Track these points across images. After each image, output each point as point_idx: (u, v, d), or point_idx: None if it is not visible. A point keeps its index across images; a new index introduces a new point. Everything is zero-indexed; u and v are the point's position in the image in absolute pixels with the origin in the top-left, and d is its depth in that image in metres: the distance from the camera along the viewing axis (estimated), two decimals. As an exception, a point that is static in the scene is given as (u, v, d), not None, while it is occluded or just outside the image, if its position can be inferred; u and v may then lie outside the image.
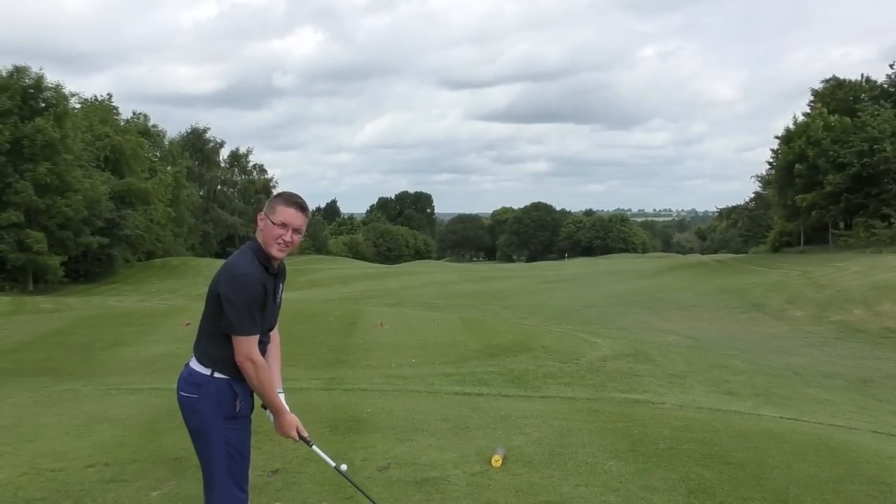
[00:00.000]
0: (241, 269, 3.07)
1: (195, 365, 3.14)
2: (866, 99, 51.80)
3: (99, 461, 5.06)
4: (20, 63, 47.20)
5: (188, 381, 3.12)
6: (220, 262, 3.33)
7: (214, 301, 3.07)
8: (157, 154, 66.24)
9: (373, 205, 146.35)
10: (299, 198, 3.22)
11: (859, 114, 47.30)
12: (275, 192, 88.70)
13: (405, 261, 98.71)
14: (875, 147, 44.58)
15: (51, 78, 56.84)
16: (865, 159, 44.86)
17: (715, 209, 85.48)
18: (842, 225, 49.34)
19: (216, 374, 3.09)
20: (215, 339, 3.10)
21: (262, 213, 3.20)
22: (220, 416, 3.09)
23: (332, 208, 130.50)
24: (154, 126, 67.94)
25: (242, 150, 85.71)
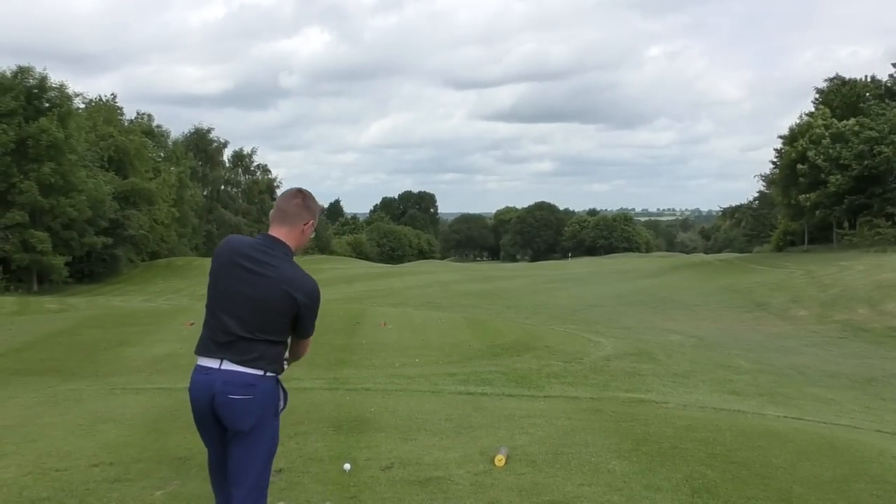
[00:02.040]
0: (314, 281, 3.23)
1: (243, 368, 3.09)
2: (871, 98, 51.74)
3: (103, 461, 5.07)
4: (30, 63, 47.35)
5: (238, 383, 3.08)
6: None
7: (288, 307, 3.12)
8: (161, 154, 66.30)
9: (376, 205, 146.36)
10: None
11: (863, 115, 47.24)
12: (279, 192, 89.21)
13: (409, 261, 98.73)
14: (875, 148, 44.52)
15: (60, 78, 57.02)
16: (866, 161, 44.80)
17: (719, 208, 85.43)
18: (846, 224, 49.25)
19: (268, 374, 3.13)
20: (269, 344, 3.13)
21: (313, 221, 3.30)
22: (271, 413, 3.15)
23: (335, 208, 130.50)
24: (158, 126, 68.07)
25: (246, 150, 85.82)
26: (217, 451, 3.25)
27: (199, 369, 3.16)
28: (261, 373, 3.10)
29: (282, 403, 3.24)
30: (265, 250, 3.18)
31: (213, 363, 3.12)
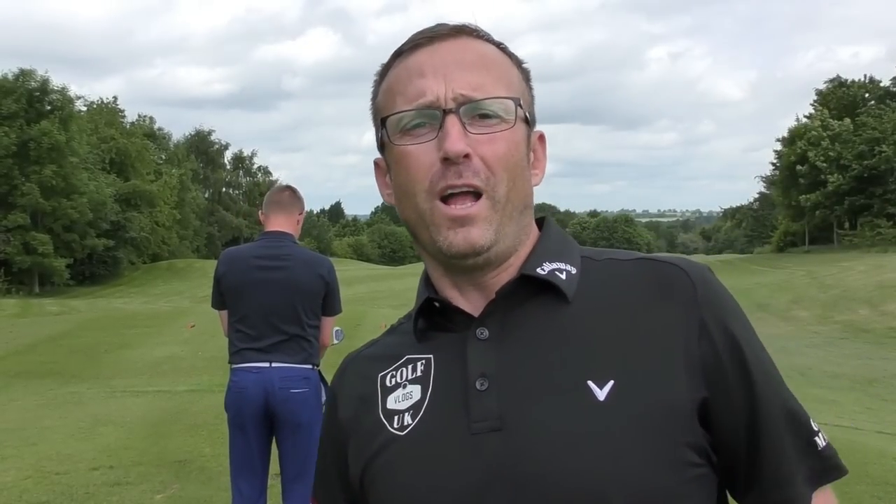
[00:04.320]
0: (327, 258, 3.51)
1: (295, 364, 3.20)
2: (870, 99, 51.82)
3: (103, 464, 5.07)
4: (35, 66, 47.44)
5: (296, 377, 3.20)
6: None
7: (319, 286, 3.32)
8: (163, 156, 66.41)
9: (377, 206, 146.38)
10: None
11: (860, 115, 47.36)
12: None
13: (410, 262, 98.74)
14: (875, 149, 44.60)
15: (66, 81, 57.03)
16: (866, 161, 44.86)
17: (720, 209, 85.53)
18: (847, 225, 49.29)
19: (315, 367, 3.29)
20: (310, 333, 3.28)
21: (304, 211, 3.51)
22: (320, 404, 3.27)
23: (336, 210, 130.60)
24: (160, 129, 68.19)
25: (246, 152, 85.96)
26: (250, 452, 3.26)
27: (247, 369, 3.20)
28: (310, 367, 3.25)
29: (324, 396, 3.32)
30: (274, 245, 3.31)
31: (261, 364, 3.19)
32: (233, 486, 3.30)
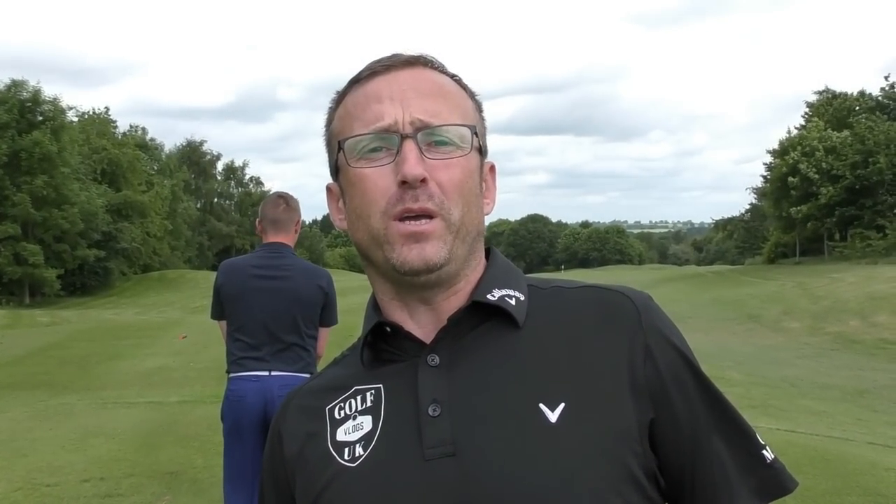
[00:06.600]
0: (326, 269, 3.54)
1: (294, 372, 3.20)
2: (860, 111, 52.22)
3: (94, 476, 5.05)
4: (29, 77, 47.44)
5: (295, 386, 3.21)
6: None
7: (318, 296, 3.32)
8: (155, 167, 66.33)
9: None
10: None
11: (854, 126, 47.69)
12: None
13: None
14: (869, 160, 44.91)
15: (62, 92, 56.96)
16: (859, 171, 45.16)
17: (711, 221, 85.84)
18: (837, 236, 49.54)
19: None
20: (308, 343, 3.28)
21: (300, 219, 3.53)
22: None
23: (328, 221, 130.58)
24: (152, 139, 68.19)
25: (238, 162, 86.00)
26: (246, 462, 3.23)
27: (246, 378, 3.20)
28: (308, 376, 3.20)
29: None
30: (273, 256, 3.35)
31: (260, 373, 3.19)
32: (225, 497, 3.29)
